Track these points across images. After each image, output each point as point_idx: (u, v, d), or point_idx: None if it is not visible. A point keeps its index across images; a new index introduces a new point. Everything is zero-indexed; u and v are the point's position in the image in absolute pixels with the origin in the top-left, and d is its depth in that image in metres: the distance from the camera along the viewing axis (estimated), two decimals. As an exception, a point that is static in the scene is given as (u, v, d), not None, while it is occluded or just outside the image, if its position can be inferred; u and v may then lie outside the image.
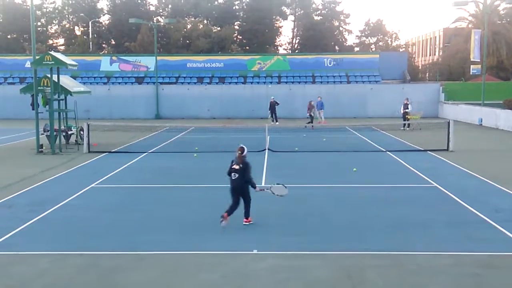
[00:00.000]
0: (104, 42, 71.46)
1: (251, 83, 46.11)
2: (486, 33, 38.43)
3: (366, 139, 27.11)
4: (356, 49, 72.20)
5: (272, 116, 36.93)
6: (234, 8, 71.05)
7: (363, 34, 74.58)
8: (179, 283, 8.38)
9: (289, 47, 75.16)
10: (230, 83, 46.29)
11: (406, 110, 32.85)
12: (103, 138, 26.31)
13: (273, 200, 13.65)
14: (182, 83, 46.40)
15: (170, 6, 70.79)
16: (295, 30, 74.35)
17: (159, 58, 45.98)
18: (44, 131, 23.78)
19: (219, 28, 67.39)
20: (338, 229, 11.13)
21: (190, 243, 10.26)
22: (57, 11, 72.16)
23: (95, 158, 21.01)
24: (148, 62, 47.85)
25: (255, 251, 9.67)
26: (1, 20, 68.16)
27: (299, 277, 8.49)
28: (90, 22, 66.98)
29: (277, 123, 35.74)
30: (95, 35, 69.18)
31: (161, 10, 72.42)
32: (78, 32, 71.00)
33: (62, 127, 23.82)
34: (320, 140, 26.78)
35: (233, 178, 11.25)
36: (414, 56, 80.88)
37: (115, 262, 9.22)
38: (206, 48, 61.04)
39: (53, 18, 72.42)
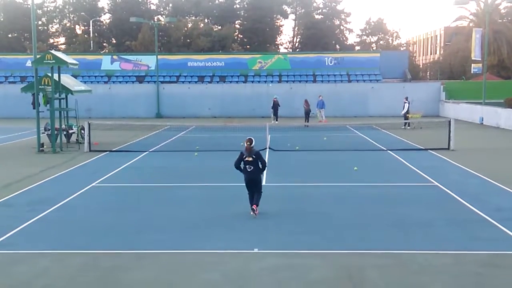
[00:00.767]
0: (105, 41, 71.48)
1: (252, 82, 46.11)
2: (487, 31, 38.38)
3: (367, 138, 27.08)
4: (357, 48, 72.20)
5: (274, 115, 36.89)
6: (235, 7, 71.07)
7: (364, 33, 74.59)
8: (179, 282, 8.37)
9: (290, 46, 75.20)
10: (231, 82, 46.30)
11: (404, 111, 32.83)
12: (104, 137, 26.30)
13: (273, 199, 13.66)
14: (183, 82, 46.42)
15: (170, 5, 70.81)
16: (296, 29, 74.35)
17: (160, 57, 45.97)
18: (45, 130, 23.80)
19: (220, 27, 67.40)
20: (339, 228, 11.11)
21: (190, 242, 10.24)
22: (58, 10, 72.22)
23: (96, 157, 21.00)
24: (149, 61, 47.87)
25: (255, 250, 9.65)
26: (2, 19, 68.20)
27: (299, 276, 8.47)
28: (91, 21, 66.98)
29: (276, 122, 35.71)
30: (96, 34, 69.19)
31: (162, 9, 72.46)
32: (79, 31, 71.05)
33: (63, 126, 23.83)
34: (321, 139, 26.76)
35: (249, 170, 11.58)
36: (415, 55, 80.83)
37: (116, 261, 9.21)
38: (207, 47, 61.06)
39: (54, 17, 72.48)
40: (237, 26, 70.44)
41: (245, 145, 11.62)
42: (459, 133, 24.60)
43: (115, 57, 49.52)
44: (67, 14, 72.69)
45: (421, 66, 75.95)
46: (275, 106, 37.05)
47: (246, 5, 70.67)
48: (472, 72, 43.86)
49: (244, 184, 11.98)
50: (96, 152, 22.13)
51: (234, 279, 8.42)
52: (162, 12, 71.88)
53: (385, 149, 22.78)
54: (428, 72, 72.02)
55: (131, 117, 40.47)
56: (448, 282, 8.27)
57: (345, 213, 12.32)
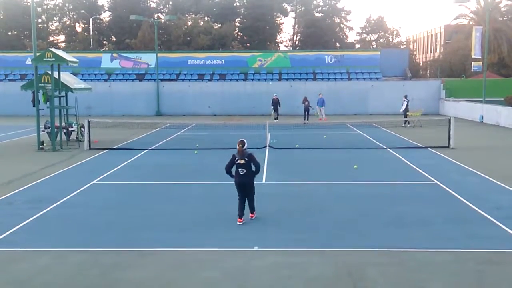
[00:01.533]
0: (104, 39, 71.44)
1: (252, 80, 46.09)
2: (487, 30, 38.37)
3: (367, 136, 27.09)
4: (357, 46, 72.17)
5: (275, 113, 36.83)
6: (235, 5, 71.03)
7: (364, 31, 74.56)
8: (180, 280, 8.38)
9: (290, 44, 75.16)
10: (230, 80, 46.29)
11: (403, 109, 32.82)
12: (103, 135, 26.31)
13: (273, 197, 13.68)
14: (182, 80, 46.41)
15: (170, 3, 70.79)
16: (296, 27, 74.32)
17: (159, 55, 45.96)
18: (45, 128, 23.81)
19: (219, 25, 67.35)
20: (339, 226, 11.13)
21: (191, 240, 10.25)
22: (57, 8, 72.18)
23: (96, 155, 21.01)
24: (148, 59, 47.86)
25: (255, 248, 9.67)
26: (1, 17, 68.14)
27: (299, 274, 8.49)
28: (90, 19, 66.95)
29: (276, 120, 35.66)
30: (96, 32, 69.17)
31: (161, 7, 72.42)
32: (78, 29, 71.01)
33: (63, 124, 23.83)
34: (321, 137, 26.77)
35: (241, 173, 11.12)
36: (415, 53, 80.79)
37: (116, 259, 9.22)
38: (207, 45, 61.03)
39: (53, 15, 72.44)
40: (237, 24, 70.40)
41: (237, 147, 11.13)
42: (459, 131, 24.61)
43: (115, 55, 49.51)
44: (67, 12, 72.64)
45: (421, 64, 75.92)
46: (275, 104, 37.07)
47: (246, 3, 70.63)
48: (472, 70, 43.83)
49: (237, 191, 11.33)
50: (96, 150, 22.14)
51: (234, 277, 8.44)
52: (162, 10, 71.86)
53: (385, 147, 22.79)
54: (428, 70, 71.99)
55: (131, 115, 40.48)
56: (448, 279, 8.28)
57: (345, 211, 12.33)
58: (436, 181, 15.50)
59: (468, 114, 36.59)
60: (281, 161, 19.47)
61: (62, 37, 72.59)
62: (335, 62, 47.56)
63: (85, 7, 69.23)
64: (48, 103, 23.04)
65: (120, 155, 20.97)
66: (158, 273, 8.60)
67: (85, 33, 67.11)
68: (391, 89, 42.44)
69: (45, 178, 16.33)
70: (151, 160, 20.02)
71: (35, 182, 15.69)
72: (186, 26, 65.76)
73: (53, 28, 73.05)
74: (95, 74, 47.15)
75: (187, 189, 14.96)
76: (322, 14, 71.39)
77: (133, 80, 46.54)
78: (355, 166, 17.89)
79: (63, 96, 24.05)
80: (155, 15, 68.50)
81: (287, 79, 45.98)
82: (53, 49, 23.88)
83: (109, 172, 17.23)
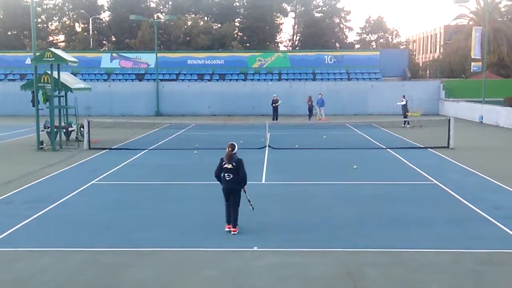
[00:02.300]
0: (104, 38, 71.41)
1: (252, 80, 46.08)
2: (487, 30, 38.38)
3: (367, 136, 27.10)
4: (357, 46, 72.19)
5: (275, 112, 36.61)
6: (234, 5, 71.01)
7: (363, 31, 74.57)
8: (179, 280, 8.38)
9: (290, 44, 75.16)
10: (230, 80, 46.27)
11: (406, 108, 32.87)
12: (103, 135, 26.31)
13: (272, 197, 13.68)
14: (182, 80, 46.40)
15: (170, 3, 70.76)
16: (296, 27, 74.31)
17: (159, 55, 45.95)
18: (45, 128, 23.80)
19: (219, 25, 67.34)
20: (338, 226, 11.13)
21: (190, 240, 10.25)
22: (57, 7, 72.12)
23: (96, 155, 21.01)
24: (148, 59, 47.84)
25: (255, 248, 9.67)
26: (1, 16, 68.10)
27: (299, 274, 8.49)
28: (90, 19, 66.92)
29: (273, 120, 35.47)
30: (96, 32, 69.13)
31: (161, 7, 72.39)
32: (78, 29, 70.95)
33: (63, 124, 23.82)
34: (320, 137, 26.77)
35: (228, 179, 10.44)
36: (414, 53, 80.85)
37: (116, 259, 9.22)
38: (207, 45, 61.02)
39: (53, 14, 72.38)
40: (237, 24, 70.38)
41: (226, 150, 10.56)
42: (459, 131, 24.62)
43: (114, 55, 49.49)
44: (67, 12, 72.59)
45: (420, 65, 75.96)
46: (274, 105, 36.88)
47: (245, 3, 70.61)
48: (471, 70, 43.91)
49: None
50: (95, 150, 22.14)
51: (234, 277, 8.44)
52: (161, 10, 71.82)
53: (384, 147, 22.79)
54: (427, 71, 72.02)
55: (130, 115, 40.47)
56: (447, 280, 8.29)
57: (345, 211, 12.33)
58: (435, 181, 15.50)
59: (467, 114, 36.60)
60: (280, 161, 19.47)
61: (61, 37, 72.57)
62: (335, 62, 47.56)
63: (84, 7, 69.20)
64: (47, 103, 23.04)
65: (120, 155, 20.97)
66: (158, 273, 8.60)
67: (85, 33, 67.07)
68: (391, 89, 42.42)
69: (45, 178, 16.32)
70: (151, 160, 20.02)
71: (35, 182, 15.68)
72: (185, 26, 65.74)
73: (53, 28, 73.01)
74: (95, 74, 47.14)
75: (186, 189, 14.96)
76: (322, 14, 71.38)
77: (132, 80, 46.53)
78: (354, 167, 17.89)
79: (62, 96, 24.04)
80: (155, 15, 68.48)
81: (286, 79, 45.98)
82: (52, 49, 23.88)
83: (108, 172, 17.23)
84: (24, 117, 37.23)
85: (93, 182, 15.67)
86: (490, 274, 8.53)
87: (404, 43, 75.83)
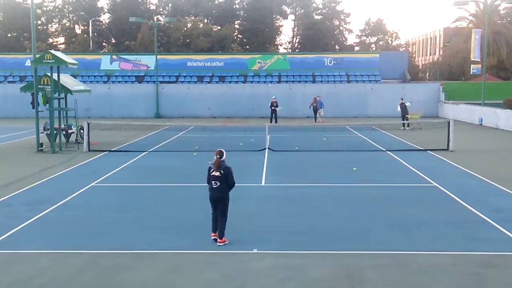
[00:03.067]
0: (104, 40, 71.46)
1: (251, 82, 46.08)
2: (487, 32, 38.40)
3: (366, 138, 27.10)
4: (357, 48, 72.19)
5: (273, 115, 36.56)
6: (234, 7, 71.08)
7: (363, 34, 74.56)
8: (179, 282, 8.37)
9: (289, 46, 75.20)
10: (230, 82, 46.27)
11: (406, 110, 32.93)
12: (103, 137, 26.30)
13: (272, 199, 13.67)
14: (182, 82, 46.39)
15: (170, 5, 70.79)
16: (295, 29, 74.36)
17: (159, 57, 45.94)
18: (44, 130, 23.79)
19: (219, 27, 67.39)
20: (338, 228, 11.12)
21: (190, 242, 10.24)
22: (57, 9, 72.15)
23: (95, 157, 20.99)
24: (148, 61, 47.83)
25: (255, 251, 9.66)
26: (1, 18, 68.13)
27: (299, 277, 8.48)
28: (90, 21, 66.96)
29: (271, 123, 35.30)
30: (96, 34, 69.17)
31: (161, 9, 72.43)
32: (78, 31, 70.99)
33: (62, 126, 23.81)
34: (320, 139, 26.77)
35: (214, 187, 9.99)
36: (414, 55, 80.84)
37: (115, 261, 9.21)
38: (206, 47, 61.04)
39: (53, 16, 72.41)
40: (237, 26, 70.43)
41: (214, 158, 10.09)
42: (458, 134, 24.62)
43: (114, 57, 49.48)
44: (67, 14, 72.63)
45: (420, 67, 75.95)
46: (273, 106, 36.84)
47: (245, 6, 70.68)
48: (471, 73, 43.88)
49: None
50: (95, 152, 22.13)
51: (234, 279, 8.43)
52: (161, 12, 71.85)
53: (384, 149, 22.79)
54: (427, 73, 72.04)
55: (130, 117, 40.41)
56: (447, 282, 8.28)
57: (344, 213, 12.33)
58: (435, 184, 15.50)
59: (467, 116, 36.61)
60: (280, 163, 19.46)
61: (61, 39, 72.58)
62: (335, 65, 47.56)
63: (84, 9, 69.23)
64: (47, 105, 23.05)
65: (120, 157, 20.96)
66: (157, 275, 8.59)
67: (85, 35, 67.09)
68: (391, 91, 42.41)
69: (45, 180, 16.31)
70: (151, 162, 20.01)
71: (35, 184, 15.67)
72: (185, 28, 65.78)
73: (53, 30, 73.05)
74: (95, 76, 47.11)
75: (186, 191, 14.95)
76: (322, 17, 71.41)
77: (132, 82, 46.51)
78: (354, 169, 17.88)
79: (62, 98, 24.04)
80: (155, 17, 68.51)
81: (286, 82, 45.96)
82: (52, 51, 23.87)
83: (108, 174, 17.22)
84: (24, 119, 37.21)
85: (92, 184, 15.66)
86: (490, 276, 8.53)
87: (404, 45, 75.88)
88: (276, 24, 72.00)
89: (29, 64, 38.12)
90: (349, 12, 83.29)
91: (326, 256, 9.38)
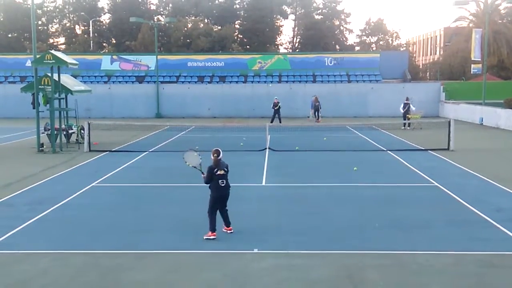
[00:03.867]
0: (104, 41, 71.48)
1: (252, 82, 46.08)
2: (487, 32, 38.38)
3: (367, 138, 27.09)
4: (357, 48, 72.20)
5: (278, 117, 36.27)
6: (234, 7, 71.09)
7: (363, 33, 74.55)
8: (180, 282, 8.37)
9: (290, 46, 75.21)
10: (230, 82, 46.28)
11: (408, 111, 32.94)
12: (103, 137, 26.30)
13: (273, 199, 13.66)
14: (182, 82, 46.40)
15: (170, 5, 70.82)
16: (296, 29, 74.37)
17: (159, 57, 45.95)
18: (45, 130, 23.79)
19: (219, 27, 67.41)
20: (339, 228, 11.12)
21: (190, 242, 10.25)
22: (57, 10, 72.20)
23: (96, 157, 21.00)
24: (148, 61, 47.85)
25: (255, 250, 9.66)
26: (2, 19, 68.17)
27: (299, 277, 8.48)
28: (90, 21, 66.97)
29: (271, 123, 35.10)
30: (96, 34, 69.19)
31: (161, 9, 72.47)
32: (78, 31, 71.05)
33: (63, 126, 23.82)
34: (320, 139, 26.77)
35: (222, 185, 10.35)
36: (414, 55, 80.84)
37: (116, 261, 9.21)
38: (207, 47, 61.04)
39: (53, 17, 72.46)
40: (237, 26, 70.43)
41: (212, 157, 10.37)
42: (459, 133, 24.61)
43: (115, 57, 49.50)
44: (67, 14, 72.67)
45: (421, 67, 75.92)
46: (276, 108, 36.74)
47: (246, 5, 70.69)
48: (472, 72, 43.84)
49: (211, 205, 10.48)
50: (96, 152, 22.13)
51: (234, 279, 8.43)
52: (162, 12, 71.88)
53: (385, 149, 22.79)
54: (428, 73, 72.00)
55: (130, 117, 40.43)
56: (448, 282, 8.28)
57: (345, 213, 12.32)
58: (436, 183, 15.49)
59: (468, 116, 36.60)
60: (281, 163, 19.46)
61: (62, 39, 72.64)
62: (335, 65, 47.55)
63: (85, 9, 69.26)
64: (48, 105, 23.05)
65: (120, 157, 20.97)
66: (158, 275, 8.59)
67: (85, 35, 67.13)
68: (391, 91, 42.42)
69: (45, 180, 16.32)
70: (151, 162, 20.02)
71: (35, 184, 15.68)
72: (186, 29, 65.79)
73: (53, 30, 73.10)
74: (95, 76, 47.13)
75: (187, 191, 14.95)
76: (322, 17, 71.41)
77: (133, 82, 46.52)
78: (355, 168, 17.88)
79: (63, 98, 24.04)
80: (155, 18, 68.54)
81: (287, 81, 45.97)
82: (53, 51, 23.88)
83: (109, 174, 17.22)
84: (25, 119, 37.22)
85: (93, 184, 15.66)
86: (490, 276, 8.53)
87: (404, 45, 75.83)
88: (276, 24, 72.00)
89: (30, 65, 38.09)
90: (350, 12, 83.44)
91: (326, 256, 9.39)
